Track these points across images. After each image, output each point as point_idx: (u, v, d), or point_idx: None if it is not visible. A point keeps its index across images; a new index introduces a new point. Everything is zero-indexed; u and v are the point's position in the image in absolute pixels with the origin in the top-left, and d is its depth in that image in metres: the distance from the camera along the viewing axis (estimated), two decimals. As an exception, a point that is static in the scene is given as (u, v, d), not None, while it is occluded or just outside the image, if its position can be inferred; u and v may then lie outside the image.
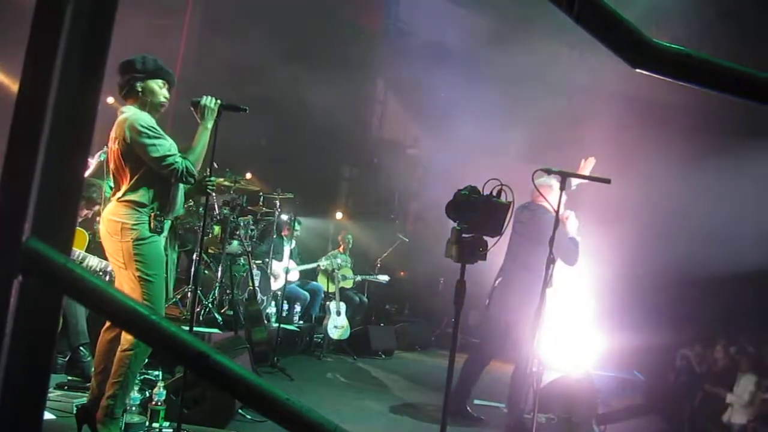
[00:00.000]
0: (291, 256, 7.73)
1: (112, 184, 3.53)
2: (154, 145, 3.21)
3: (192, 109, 3.47)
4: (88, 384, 3.47)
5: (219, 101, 3.45)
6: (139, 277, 3.18)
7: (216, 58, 9.12)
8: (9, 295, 0.69)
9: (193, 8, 9.84)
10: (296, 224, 7.84)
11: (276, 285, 7.46)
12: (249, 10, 9.11)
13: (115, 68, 3.24)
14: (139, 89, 3.32)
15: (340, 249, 9.01)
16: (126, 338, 3.20)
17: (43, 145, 0.70)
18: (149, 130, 3.22)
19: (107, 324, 3.37)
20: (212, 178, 3.55)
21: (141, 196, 3.23)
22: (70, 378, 4.34)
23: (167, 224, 3.35)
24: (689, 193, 7.53)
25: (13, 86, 8.03)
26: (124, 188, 3.24)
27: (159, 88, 3.38)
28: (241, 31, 8.71)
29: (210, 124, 3.42)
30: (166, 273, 3.35)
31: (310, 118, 9.35)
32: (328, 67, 9.36)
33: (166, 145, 3.26)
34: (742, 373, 6.70)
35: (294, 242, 7.93)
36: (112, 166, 3.34)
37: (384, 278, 8.95)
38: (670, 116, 7.94)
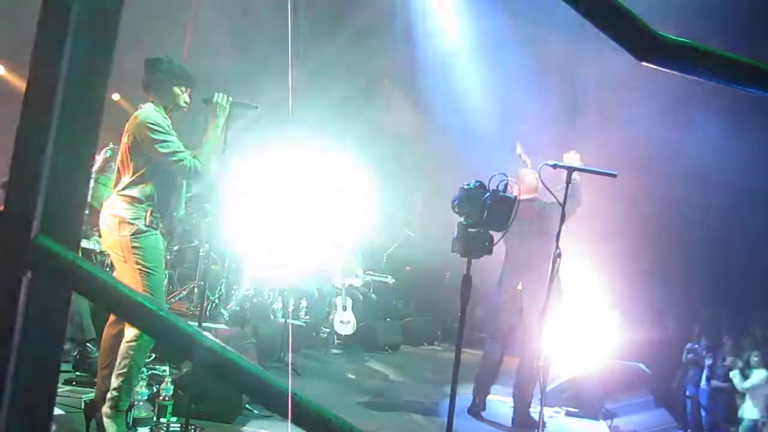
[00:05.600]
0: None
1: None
2: (164, 141, 3.25)
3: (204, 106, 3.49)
4: (95, 379, 3.50)
5: (230, 98, 3.45)
6: (139, 269, 3.21)
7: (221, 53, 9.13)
8: (18, 292, 0.69)
9: (198, 2, 9.82)
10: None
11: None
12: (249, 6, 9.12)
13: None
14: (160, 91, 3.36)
15: None
16: (129, 330, 3.23)
17: (51, 143, 0.71)
18: (159, 127, 3.25)
19: (110, 320, 3.40)
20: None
21: (139, 192, 3.25)
22: (78, 374, 4.37)
23: (160, 223, 3.35)
24: (696, 186, 7.50)
25: (22, 84, 8.06)
26: (125, 181, 3.28)
27: (180, 93, 3.41)
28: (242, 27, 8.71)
29: (221, 122, 3.43)
30: None
31: (316, 112, 9.33)
32: (335, 60, 9.34)
33: (176, 143, 3.29)
34: (752, 368, 6.68)
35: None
36: (118, 158, 3.38)
37: (390, 280, 8.98)
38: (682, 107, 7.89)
